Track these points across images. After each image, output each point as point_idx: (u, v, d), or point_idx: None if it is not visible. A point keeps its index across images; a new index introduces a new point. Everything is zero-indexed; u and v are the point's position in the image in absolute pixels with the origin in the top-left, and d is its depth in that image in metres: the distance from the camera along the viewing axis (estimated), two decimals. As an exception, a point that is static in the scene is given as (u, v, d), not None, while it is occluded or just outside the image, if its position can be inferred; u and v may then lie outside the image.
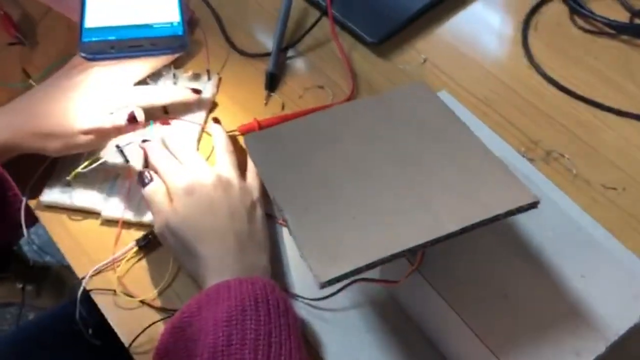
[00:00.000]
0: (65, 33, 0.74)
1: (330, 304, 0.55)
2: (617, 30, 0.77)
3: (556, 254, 0.50)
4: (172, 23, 0.57)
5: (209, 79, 0.70)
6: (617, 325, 0.46)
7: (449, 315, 0.47)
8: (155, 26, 0.57)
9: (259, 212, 0.57)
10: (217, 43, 0.75)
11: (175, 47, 0.57)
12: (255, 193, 0.58)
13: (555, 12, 0.80)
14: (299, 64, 0.74)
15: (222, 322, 0.46)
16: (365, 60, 0.74)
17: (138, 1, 0.59)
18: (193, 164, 0.57)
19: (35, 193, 0.61)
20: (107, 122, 0.58)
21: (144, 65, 0.64)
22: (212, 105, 0.69)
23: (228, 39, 0.75)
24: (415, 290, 0.50)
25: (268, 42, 0.75)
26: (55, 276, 1.38)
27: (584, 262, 0.50)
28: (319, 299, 0.55)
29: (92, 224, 0.61)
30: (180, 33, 0.57)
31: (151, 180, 0.56)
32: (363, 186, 0.45)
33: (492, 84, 0.72)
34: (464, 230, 0.41)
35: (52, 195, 0.61)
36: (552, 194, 0.61)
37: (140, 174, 0.56)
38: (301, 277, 0.57)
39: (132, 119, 0.58)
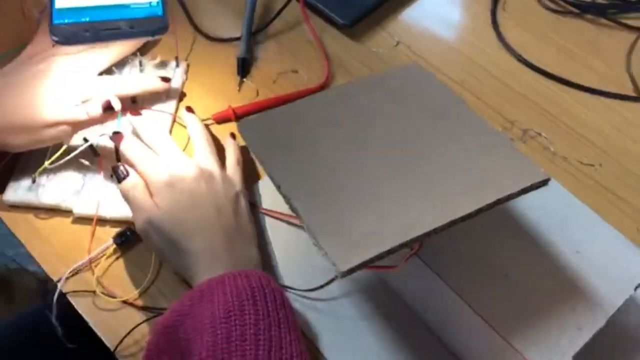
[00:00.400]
0: (19, 19, 0.68)
1: (322, 294, 0.54)
2: (581, 9, 0.78)
3: (549, 231, 0.51)
4: (150, 3, 0.53)
5: (177, 66, 0.66)
6: (614, 299, 0.47)
7: (450, 298, 0.46)
8: (132, 6, 0.52)
9: (243, 202, 0.55)
10: (183, 28, 0.71)
11: (155, 29, 0.53)
12: (238, 183, 0.56)
13: (522, -8, 0.80)
14: (270, 48, 0.71)
15: (220, 319, 0.44)
16: (338, 44, 0.72)
17: None
18: (170, 155, 0.54)
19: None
20: (81, 113, 0.55)
21: (109, 53, 0.60)
22: (182, 94, 0.66)
23: (194, 24, 0.72)
24: (412, 274, 0.49)
25: (236, 26, 0.72)
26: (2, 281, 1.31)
27: (576, 238, 0.50)
28: (310, 290, 0.53)
29: (62, 222, 0.57)
30: (160, 14, 0.53)
31: (127, 174, 0.53)
32: (370, 170, 0.43)
33: (466, 65, 0.72)
34: (479, 211, 0.40)
35: (16, 194, 0.56)
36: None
37: (115, 169, 0.53)
38: (289, 267, 0.56)
39: (107, 108, 0.55)
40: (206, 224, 0.51)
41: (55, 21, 0.50)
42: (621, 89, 0.71)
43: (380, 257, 0.37)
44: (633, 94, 0.71)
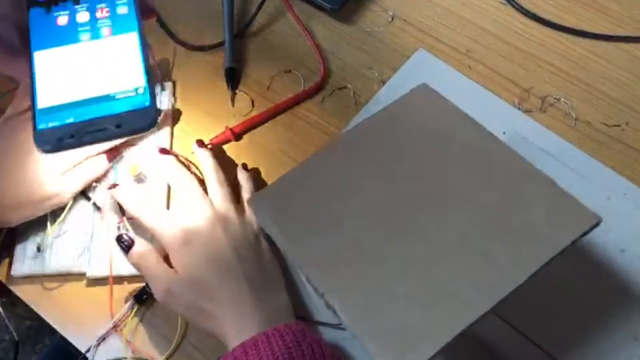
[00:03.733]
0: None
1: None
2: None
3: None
4: (137, 89, 0.46)
5: (163, 89, 0.61)
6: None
7: (496, 323, 0.44)
8: (117, 97, 0.46)
9: (264, 243, 0.52)
10: (159, 41, 0.65)
11: (143, 125, 0.46)
12: (255, 222, 0.52)
13: None
14: (257, 49, 0.65)
15: None
16: (328, 30, 0.67)
17: (95, 62, 0.48)
18: (183, 200, 0.51)
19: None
20: (89, 175, 0.53)
21: None
22: (174, 118, 0.61)
23: (171, 34, 0.66)
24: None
25: (215, 29, 0.65)
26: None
27: (621, 233, 0.47)
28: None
29: (76, 287, 0.54)
30: (147, 104, 0.46)
31: (132, 243, 0.50)
32: (404, 245, 0.39)
33: (470, 31, 0.66)
34: (533, 276, 0.37)
35: (24, 267, 0.53)
36: (560, 151, 0.58)
37: (119, 240, 0.50)
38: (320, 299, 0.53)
39: (112, 156, 0.54)
40: (227, 277, 0.48)
41: (40, 126, 0.45)
42: None
43: (437, 355, 0.35)
44: (653, 34, 0.65)
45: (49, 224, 0.54)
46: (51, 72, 0.48)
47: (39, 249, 0.54)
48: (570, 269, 0.46)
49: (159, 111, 0.58)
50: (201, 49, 0.65)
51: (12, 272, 0.53)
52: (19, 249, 0.54)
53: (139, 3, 0.50)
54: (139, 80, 0.47)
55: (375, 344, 0.36)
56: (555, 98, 0.62)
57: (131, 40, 0.49)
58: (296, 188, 0.44)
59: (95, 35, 0.49)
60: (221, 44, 0.64)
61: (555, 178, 0.50)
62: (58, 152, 0.45)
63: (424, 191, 0.41)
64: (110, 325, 0.52)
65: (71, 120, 0.45)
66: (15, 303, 0.56)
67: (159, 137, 0.59)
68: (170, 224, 0.50)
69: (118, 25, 0.49)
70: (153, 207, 0.51)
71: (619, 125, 0.61)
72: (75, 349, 0.52)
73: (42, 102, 0.46)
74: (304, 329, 0.46)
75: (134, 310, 0.53)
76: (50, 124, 0.45)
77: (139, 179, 0.55)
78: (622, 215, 0.48)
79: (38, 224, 0.54)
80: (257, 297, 0.48)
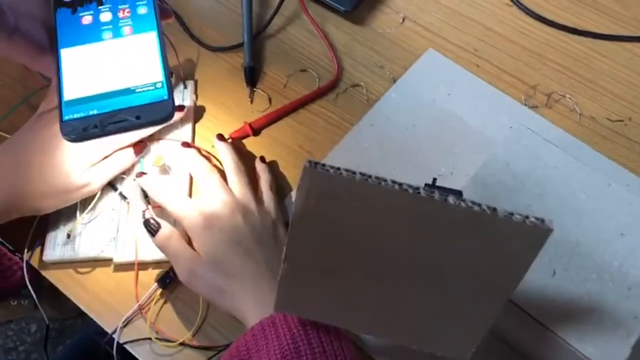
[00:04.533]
0: (20, 71, 0.67)
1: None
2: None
3: (592, 214, 0.50)
4: (155, 84, 0.50)
5: (185, 87, 0.65)
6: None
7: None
8: (137, 90, 0.49)
9: (282, 230, 0.54)
10: (182, 42, 0.69)
11: (162, 117, 0.49)
12: (274, 211, 0.55)
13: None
14: (274, 50, 0.69)
15: None
16: (342, 31, 0.70)
17: (116, 59, 0.51)
18: (204, 189, 0.54)
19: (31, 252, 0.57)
20: (117, 167, 0.56)
21: None
22: (196, 115, 0.64)
23: (193, 36, 0.69)
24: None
25: (235, 31, 0.69)
26: (48, 285, 1.35)
27: (620, 218, 0.50)
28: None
29: (104, 272, 0.57)
30: (165, 97, 0.49)
31: (159, 226, 0.53)
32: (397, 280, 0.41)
33: (477, 31, 0.69)
34: None
35: (55, 252, 0.57)
36: (565, 145, 0.60)
37: (146, 223, 0.53)
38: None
39: (139, 150, 0.57)
40: (249, 259, 0.51)
41: (66, 117, 0.48)
42: (642, 30, 0.68)
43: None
44: (655, 34, 0.68)
45: (78, 212, 0.57)
46: (76, 67, 0.51)
47: (69, 236, 0.57)
48: (569, 249, 0.48)
49: (182, 107, 0.61)
50: (222, 50, 0.68)
51: (44, 258, 0.57)
52: (50, 236, 0.57)
53: (159, 4, 0.53)
54: (157, 75, 0.50)
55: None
56: (560, 94, 0.65)
57: (150, 39, 0.52)
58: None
59: (117, 34, 0.52)
60: (240, 45, 0.68)
61: (559, 166, 0.52)
62: (83, 141, 0.48)
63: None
64: (136, 307, 0.55)
65: (95, 111, 0.49)
66: (36, 305, 0.59)
67: (182, 132, 0.62)
68: (192, 210, 0.53)
69: (138, 25, 0.52)
70: (176, 195, 0.54)
71: (622, 121, 0.63)
72: (100, 335, 0.55)
73: (68, 95, 0.49)
74: None
75: (158, 293, 0.56)
76: (76, 115, 0.48)
77: (164, 170, 0.58)
78: (622, 202, 0.50)
79: (68, 213, 0.57)
80: (275, 279, 0.51)
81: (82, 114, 0.49)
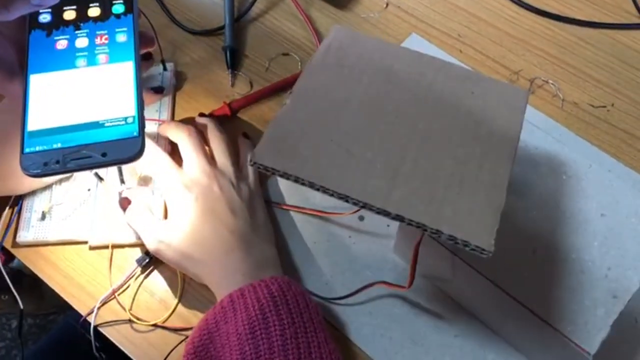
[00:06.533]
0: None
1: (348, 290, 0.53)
2: None
3: (573, 195, 0.49)
4: (126, 119, 0.45)
5: (165, 69, 0.64)
6: (646, 260, 0.46)
7: (480, 281, 0.46)
8: (106, 125, 0.45)
9: (259, 201, 0.54)
10: (162, 25, 0.68)
11: (130, 155, 0.44)
12: (253, 182, 0.55)
13: None
14: (256, 33, 0.68)
15: (246, 335, 0.44)
16: (325, 15, 0.69)
17: (88, 88, 0.47)
18: (186, 157, 0.54)
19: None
20: None
21: None
22: (175, 97, 0.63)
23: (173, 18, 0.68)
24: (433, 256, 0.49)
25: (217, 14, 0.68)
26: (28, 280, 1.33)
27: (600, 198, 0.49)
28: (338, 298, 0.53)
29: (78, 251, 0.56)
30: (135, 134, 0.45)
31: (129, 202, 0.52)
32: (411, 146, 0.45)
33: (461, 17, 0.69)
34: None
35: (28, 234, 0.55)
36: (547, 128, 0.60)
37: (122, 204, 0.52)
38: (309, 267, 0.55)
39: None
40: (221, 227, 0.50)
41: (27, 149, 0.44)
42: (625, 17, 0.68)
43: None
44: (638, 21, 0.68)
45: (52, 193, 0.56)
46: (44, 96, 0.46)
47: (43, 217, 0.56)
48: (550, 228, 0.48)
49: (161, 89, 0.60)
50: (203, 33, 0.68)
51: (17, 239, 0.55)
52: (24, 218, 0.56)
53: (139, 32, 0.49)
54: (130, 109, 0.46)
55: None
56: (543, 80, 0.64)
57: (127, 69, 0.47)
58: (288, 127, 0.46)
59: (92, 61, 0.48)
60: (222, 27, 0.67)
61: (540, 147, 0.52)
62: (42, 177, 0.44)
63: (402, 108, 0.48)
64: (111, 290, 0.54)
65: (58, 145, 0.44)
66: (16, 300, 0.58)
67: (161, 115, 0.61)
68: (172, 173, 0.53)
69: (115, 53, 0.48)
70: (158, 159, 0.54)
71: (604, 106, 0.63)
72: (80, 322, 0.54)
73: (32, 126, 0.45)
74: (290, 281, 0.48)
75: (134, 276, 0.55)
76: (38, 148, 0.44)
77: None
78: (603, 183, 0.50)
79: (43, 194, 0.56)
80: (248, 248, 0.50)
81: (44, 147, 0.44)
